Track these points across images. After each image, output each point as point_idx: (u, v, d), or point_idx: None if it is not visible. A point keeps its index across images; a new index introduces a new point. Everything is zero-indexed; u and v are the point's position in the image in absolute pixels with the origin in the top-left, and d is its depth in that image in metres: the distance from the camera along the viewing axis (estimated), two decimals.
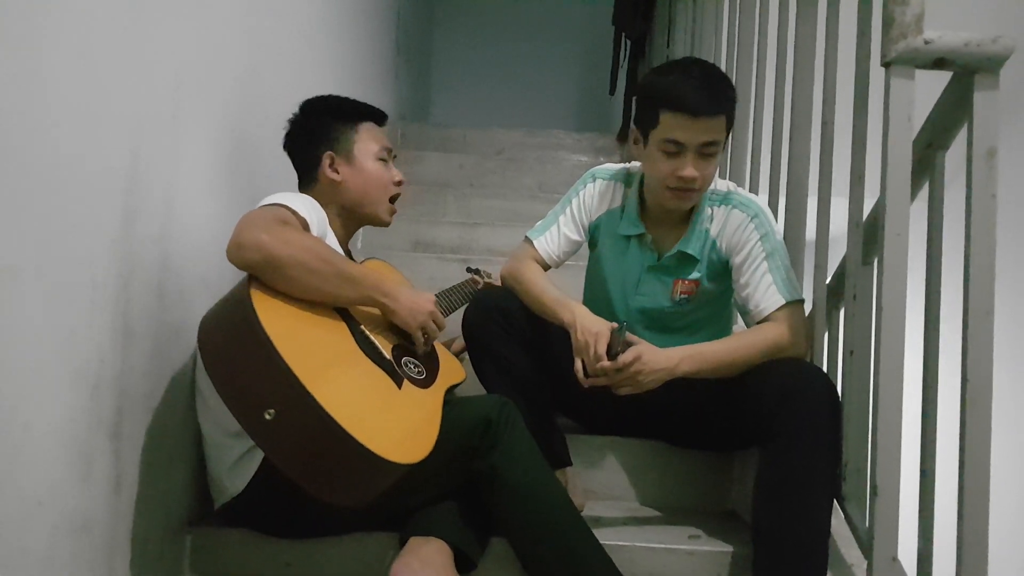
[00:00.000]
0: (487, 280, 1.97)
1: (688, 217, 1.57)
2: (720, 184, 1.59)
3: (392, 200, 1.59)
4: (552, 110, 5.42)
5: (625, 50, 4.28)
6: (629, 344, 1.36)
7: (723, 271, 1.58)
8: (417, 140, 3.90)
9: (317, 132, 1.53)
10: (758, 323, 1.47)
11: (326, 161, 1.51)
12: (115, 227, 1.10)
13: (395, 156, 1.61)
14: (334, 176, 1.51)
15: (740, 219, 1.52)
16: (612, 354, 1.35)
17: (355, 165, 1.53)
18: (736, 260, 1.52)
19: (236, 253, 1.19)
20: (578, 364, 1.39)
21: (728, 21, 2.44)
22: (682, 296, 1.60)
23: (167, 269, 1.28)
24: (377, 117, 1.61)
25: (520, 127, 4.11)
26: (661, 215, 1.59)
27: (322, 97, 1.59)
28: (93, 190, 1.04)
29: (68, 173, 0.98)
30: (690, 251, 1.56)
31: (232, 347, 1.14)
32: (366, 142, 1.55)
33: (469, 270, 2.02)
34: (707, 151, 1.44)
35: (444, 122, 4.97)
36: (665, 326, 1.63)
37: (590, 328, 1.39)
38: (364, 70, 3.06)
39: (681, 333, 1.63)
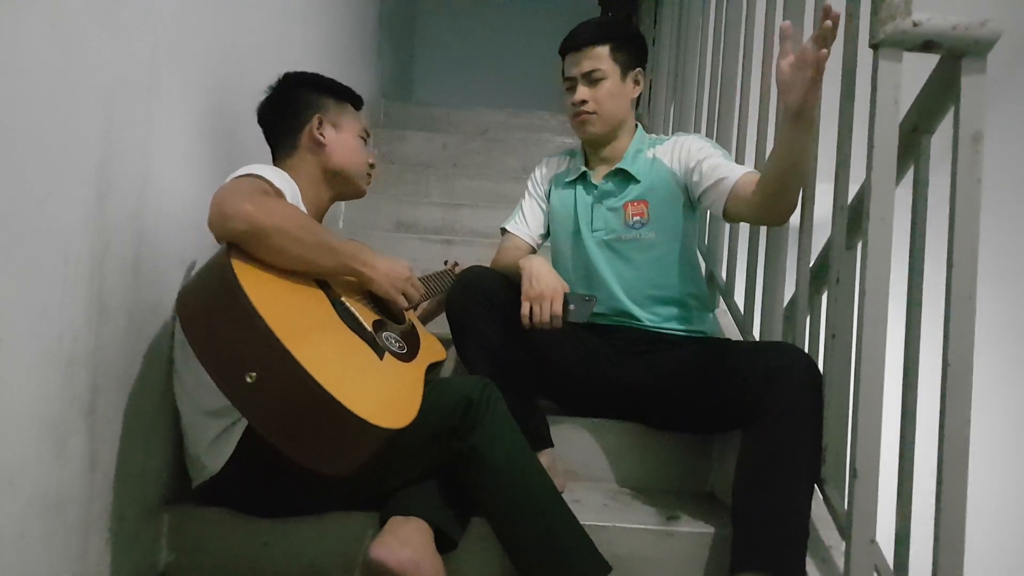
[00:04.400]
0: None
1: (623, 154, 1.77)
2: (664, 136, 1.84)
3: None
4: (537, 91, 5.38)
5: None
6: (590, 306, 1.46)
7: (677, 193, 1.70)
8: (400, 119, 3.86)
9: (304, 101, 1.52)
10: (732, 189, 1.56)
11: (314, 122, 1.50)
12: (89, 200, 1.08)
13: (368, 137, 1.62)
14: (319, 137, 1.50)
15: (689, 138, 1.74)
16: (571, 318, 1.45)
17: (343, 134, 1.53)
18: (692, 163, 1.67)
19: (220, 223, 1.18)
20: (525, 309, 1.46)
21: (716, 2, 2.43)
22: (635, 219, 1.71)
23: (143, 244, 1.25)
24: (358, 101, 1.61)
25: (504, 107, 4.07)
26: (599, 159, 1.80)
27: (308, 73, 1.58)
28: (66, 162, 1.02)
29: (39, 143, 0.95)
30: (625, 167, 1.73)
31: (212, 312, 1.12)
32: (351, 119, 1.56)
33: (446, 264, 2.05)
34: (594, 77, 1.70)
35: (427, 101, 4.92)
36: (629, 258, 1.72)
37: (543, 277, 1.47)
38: (346, 46, 3.01)
39: (649, 268, 1.71)
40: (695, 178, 1.66)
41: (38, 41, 0.94)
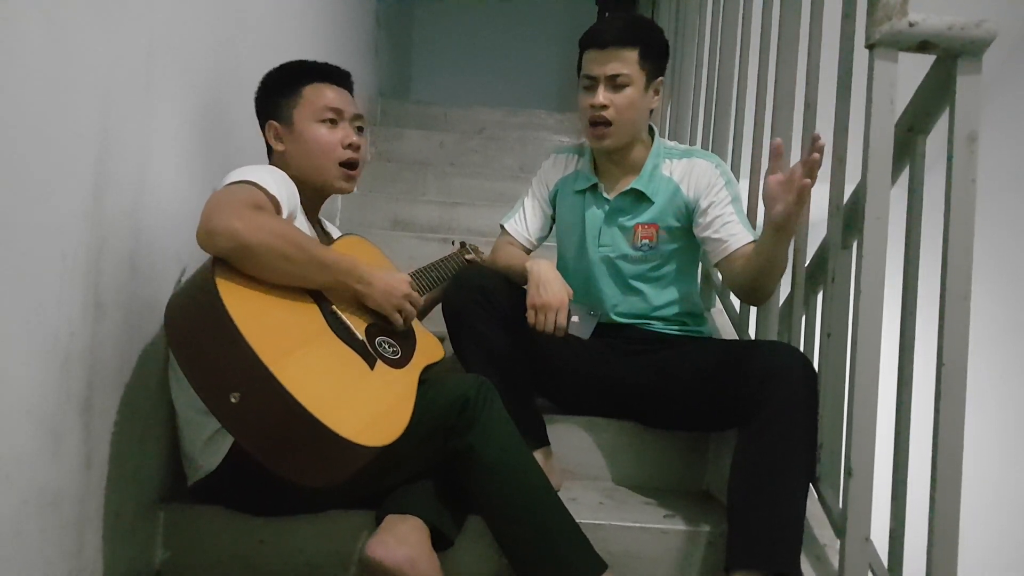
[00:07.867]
0: (473, 256, 1.94)
1: (639, 168, 1.68)
2: (679, 145, 1.73)
3: (346, 165, 1.47)
4: (534, 89, 5.36)
5: None
6: (594, 321, 1.47)
7: (686, 221, 1.65)
8: (397, 117, 3.85)
9: (263, 103, 1.49)
10: (727, 256, 1.55)
11: (270, 132, 1.47)
12: (86, 198, 1.07)
13: (357, 117, 1.50)
14: (278, 147, 1.47)
15: (705, 166, 1.64)
16: (572, 331, 1.45)
17: (295, 132, 1.45)
18: (703, 203, 1.60)
19: (208, 240, 1.16)
20: (531, 318, 1.46)
21: (713, 1, 2.43)
22: (644, 241, 1.66)
23: (139, 241, 1.25)
24: (326, 75, 1.49)
25: (502, 106, 4.07)
26: (611, 169, 1.71)
27: (277, 66, 1.52)
28: (63, 159, 1.01)
29: (36, 140, 0.95)
30: (641, 188, 1.66)
31: (197, 331, 1.12)
32: (307, 105, 1.45)
33: (454, 243, 1.99)
34: (618, 82, 1.57)
35: (424, 99, 4.91)
36: (629, 278, 1.69)
37: (550, 285, 1.46)
38: (343, 43, 3.01)
39: (649, 285, 1.68)
40: (700, 220, 1.61)
41: (34, 38, 0.93)
